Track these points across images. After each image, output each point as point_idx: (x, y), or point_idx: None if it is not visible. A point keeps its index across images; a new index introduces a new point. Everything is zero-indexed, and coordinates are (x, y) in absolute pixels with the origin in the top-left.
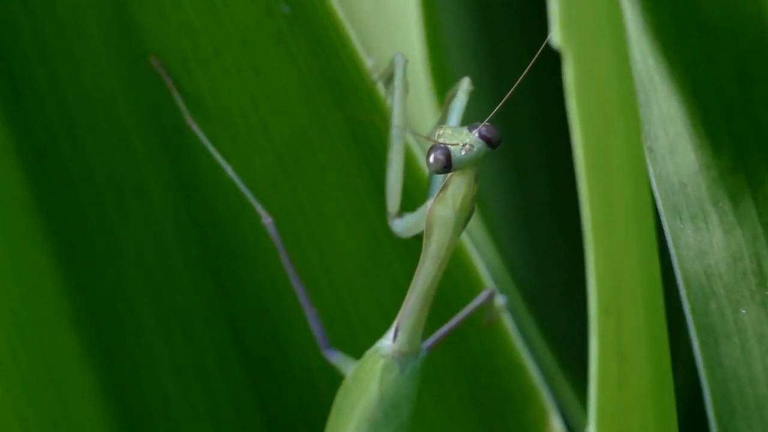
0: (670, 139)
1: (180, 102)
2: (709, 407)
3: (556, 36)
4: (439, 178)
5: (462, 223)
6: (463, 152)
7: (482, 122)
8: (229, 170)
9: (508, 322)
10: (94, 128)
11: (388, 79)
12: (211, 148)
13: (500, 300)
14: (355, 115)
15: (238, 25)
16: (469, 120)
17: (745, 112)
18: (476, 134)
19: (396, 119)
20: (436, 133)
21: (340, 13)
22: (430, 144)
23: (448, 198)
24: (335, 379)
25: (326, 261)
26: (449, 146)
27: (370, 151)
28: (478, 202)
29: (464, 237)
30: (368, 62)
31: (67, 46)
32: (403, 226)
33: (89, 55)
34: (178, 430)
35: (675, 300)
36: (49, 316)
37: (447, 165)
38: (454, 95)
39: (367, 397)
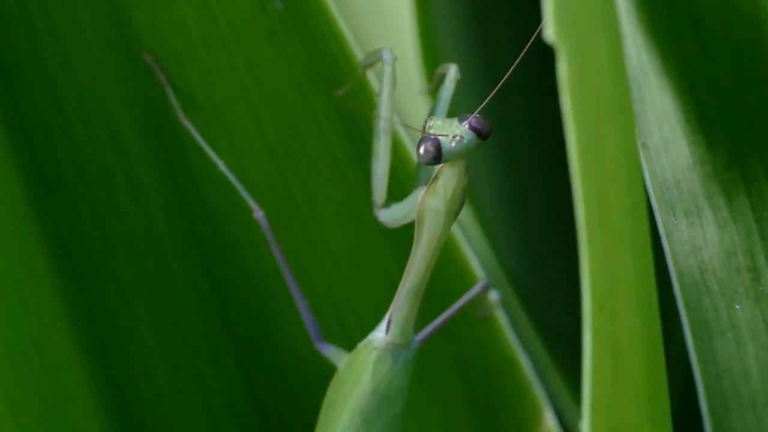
0: (664, 134)
1: (173, 98)
2: (702, 403)
3: (549, 31)
4: (428, 168)
5: (453, 214)
6: (453, 143)
7: (472, 113)
8: (221, 165)
9: (501, 317)
10: (87, 124)
11: (369, 65)
12: (203, 144)
13: (493, 295)
14: (348, 110)
15: (231, 20)
16: (461, 112)
17: (739, 107)
18: (466, 125)
19: (384, 112)
20: (426, 124)
21: (333, 9)
22: (420, 135)
23: (439, 189)
24: (328, 371)
25: (319, 254)
26: (439, 137)
27: (363, 145)
28: (470, 197)
29: (457, 232)
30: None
31: (60, 42)
32: (390, 216)
33: (83, 51)
34: (172, 425)
35: (669, 296)
36: (42, 312)
37: (437, 156)
38: (441, 79)
39: (359, 389)
